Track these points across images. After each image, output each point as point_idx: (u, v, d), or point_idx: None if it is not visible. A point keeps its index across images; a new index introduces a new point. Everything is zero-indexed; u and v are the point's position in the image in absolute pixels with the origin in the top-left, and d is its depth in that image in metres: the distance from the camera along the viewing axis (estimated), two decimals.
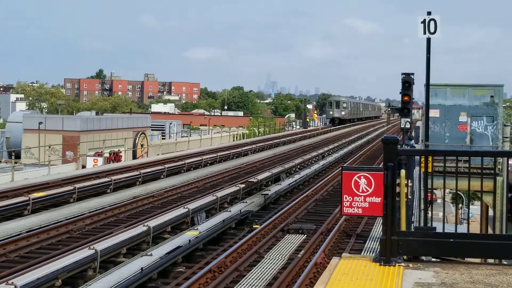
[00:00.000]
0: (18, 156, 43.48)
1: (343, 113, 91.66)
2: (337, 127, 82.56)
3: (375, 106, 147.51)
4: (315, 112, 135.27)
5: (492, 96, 28.71)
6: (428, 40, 19.37)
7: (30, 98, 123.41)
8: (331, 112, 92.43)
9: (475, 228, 30.96)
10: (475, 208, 48.06)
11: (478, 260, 9.62)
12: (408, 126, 25.42)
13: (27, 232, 16.76)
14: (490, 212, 28.95)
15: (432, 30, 18.89)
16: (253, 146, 44.70)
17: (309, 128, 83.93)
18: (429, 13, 18.98)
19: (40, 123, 42.95)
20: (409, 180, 9.02)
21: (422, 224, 11.99)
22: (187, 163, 31.93)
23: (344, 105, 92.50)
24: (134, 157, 46.49)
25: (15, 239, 15.64)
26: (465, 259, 9.15)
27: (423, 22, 18.80)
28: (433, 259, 9.26)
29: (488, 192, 24.60)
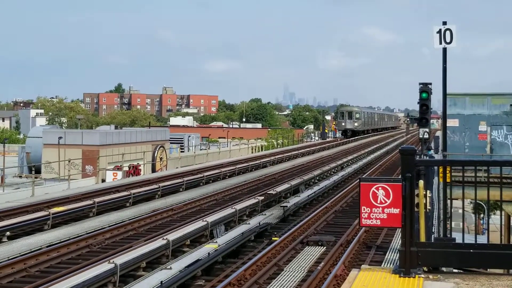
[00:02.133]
0: (38, 171, 43.80)
1: (356, 124, 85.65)
2: (356, 138, 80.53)
3: (392, 116, 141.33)
4: (334, 123, 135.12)
5: None
6: (444, 50, 19.31)
7: (50, 113, 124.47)
8: (343, 124, 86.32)
9: (497, 238, 30.66)
10: (498, 218, 47.59)
11: (501, 271, 9.52)
12: (426, 136, 25.28)
13: (47, 246, 16.83)
14: None
15: (448, 40, 18.82)
16: (272, 158, 44.66)
17: (327, 139, 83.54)
18: (444, 23, 18.93)
19: (60, 138, 43.25)
20: (428, 191, 8.93)
21: (442, 235, 11.91)
22: (206, 176, 31.96)
23: (357, 115, 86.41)
24: (153, 170, 46.65)
25: (35, 254, 15.71)
26: (488, 270, 9.06)
27: (439, 32, 18.74)
28: (454, 270, 9.17)
29: (509, 202, 24.39)
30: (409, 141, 79.92)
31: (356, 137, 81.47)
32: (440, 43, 18.96)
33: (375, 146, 61.82)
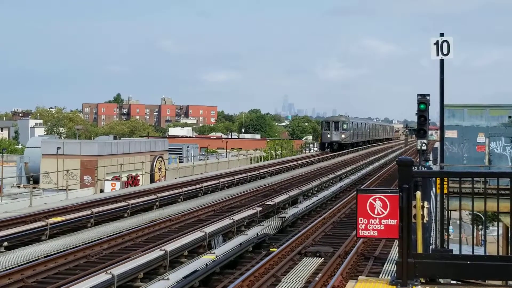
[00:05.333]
0: (36, 181, 43.77)
1: (343, 136, 75.48)
2: (355, 149, 78.34)
3: (387, 127, 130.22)
4: None
5: (510, 116, 28.57)
6: (442, 61, 19.37)
7: (49, 123, 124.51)
8: (328, 135, 75.82)
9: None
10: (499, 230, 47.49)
11: (499, 282, 9.51)
12: (424, 147, 25.33)
13: (44, 257, 16.80)
14: None
15: (445, 51, 18.88)
16: (270, 168, 44.67)
17: (326, 150, 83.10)
18: (441, 35, 19.00)
19: (58, 148, 43.24)
20: (426, 202, 8.94)
21: (439, 246, 11.89)
22: (204, 187, 31.95)
23: (345, 126, 76.06)
24: (152, 181, 46.62)
25: (32, 264, 15.68)
26: (486, 281, 9.05)
27: (436, 43, 18.80)
28: (452, 282, 9.16)
29: (507, 213, 24.36)
30: (408, 152, 79.85)
31: (355, 148, 78.62)
32: (437, 54, 19.03)
33: (373, 157, 61.85)
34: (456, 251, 9.16)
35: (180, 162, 60.10)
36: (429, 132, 29.34)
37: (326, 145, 77.57)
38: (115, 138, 58.81)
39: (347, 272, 15.08)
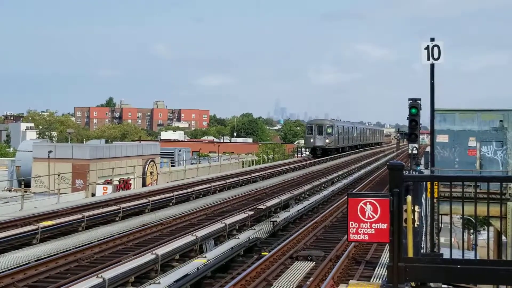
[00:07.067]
0: (28, 185, 43.58)
1: (327, 140, 70.99)
2: (347, 153, 77.37)
3: (376, 131, 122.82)
4: None
5: (501, 121, 28.65)
6: (432, 66, 19.44)
7: (40, 127, 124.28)
8: (311, 140, 71.49)
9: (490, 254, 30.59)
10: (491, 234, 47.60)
11: (489, 287, 9.54)
12: (415, 151, 25.40)
13: (35, 261, 16.76)
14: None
15: (436, 56, 18.96)
16: (262, 172, 44.68)
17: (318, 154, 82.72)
18: (432, 39, 19.08)
19: (50, 151, 43.10)
20: (417, 206, 8.95)
21: (429, 250, 11.93)
22: (196, 190, 31.93)
23: (329, 130, 71.55)
24: (144, 184, 46.55)
25: (23, 268, 15.64)
26: (477, 285, 9.07)
27: (427, 48, 18.88)
28: (443, 286, 9.18)
29: (498, 218, 24.41)
30: (399, 156, 79.92)
31: (347, 152, 77.94)
32: (428, 59, 19.11)
33: (365, 162, 61.95)
34: (446, 255, 9.18)
35: (172, 166, 60.02)
36: (421, 137, 29.38)
37: (309, 150, 74.18)
38: (106, 142, 58.74)
39: (338, 276, 15.10)
